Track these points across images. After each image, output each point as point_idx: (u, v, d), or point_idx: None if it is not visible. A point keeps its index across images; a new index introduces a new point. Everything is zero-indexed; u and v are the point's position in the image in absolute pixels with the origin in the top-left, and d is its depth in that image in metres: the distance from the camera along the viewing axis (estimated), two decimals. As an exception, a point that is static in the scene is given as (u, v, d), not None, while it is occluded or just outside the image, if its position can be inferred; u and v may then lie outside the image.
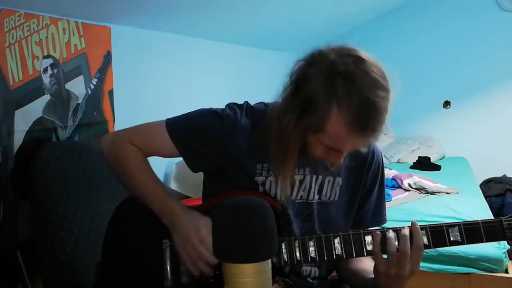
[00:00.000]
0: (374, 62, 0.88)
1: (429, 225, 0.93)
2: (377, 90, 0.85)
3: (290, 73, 0.94)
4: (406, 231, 0.91)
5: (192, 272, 0.96)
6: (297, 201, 1.05)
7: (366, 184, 1.10)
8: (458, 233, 0.91)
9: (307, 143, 0.94)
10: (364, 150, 0.98)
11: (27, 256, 1.54)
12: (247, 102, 1.07)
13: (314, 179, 1.05)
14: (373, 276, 0.98)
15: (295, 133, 0.92)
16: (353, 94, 0.84)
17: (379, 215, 1.14)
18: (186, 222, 0.95)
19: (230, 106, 1.05)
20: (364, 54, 0.88)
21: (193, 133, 1.02)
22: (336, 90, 0.84)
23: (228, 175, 1.04)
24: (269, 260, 0.71)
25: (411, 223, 0.93)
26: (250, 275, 0.69)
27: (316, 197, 1.06)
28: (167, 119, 1.05)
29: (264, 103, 1.07)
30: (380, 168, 1.13)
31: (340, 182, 1.07)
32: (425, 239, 0.92)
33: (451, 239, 0.91)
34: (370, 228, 0.97)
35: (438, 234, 0.92)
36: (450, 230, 0.91)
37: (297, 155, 0.96)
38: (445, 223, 0.93)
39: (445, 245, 0.92)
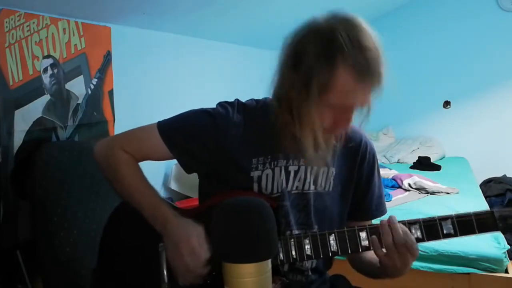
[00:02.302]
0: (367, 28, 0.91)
1: (422, 218, 0.94)
2: (373, 40, 0.89)
3: (282, 52, 0.96)
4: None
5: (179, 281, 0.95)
6: (293, 191, 1.05)
7: (363, 176, 1.11)
8: (451, 226, 0.93)
9: (313, 117, 0.93)
10: (369, 105, 0.95)
11: (27, 256, 1.54)
12: (237, 99, 1.07)
13: (309, 170, 1.05)
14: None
15: (305, 107, 0.91)
16: (354, 45, 0.86)
17: (381, 205, 1.16)
18: (178, 229, 0.94)
19: (221, 104, 1.05)
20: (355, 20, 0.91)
21: (186, 134, 1.02)
22: (337, 46, 0.86)
23: (223, 175, 1.03)
24: (269, 260, 0.71)
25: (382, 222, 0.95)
26: (250, 275, 0.69)
27: (312, 187, 1.06)
28: (159, 122, 1.05)
29: (255, 100, 1.08)
30: (375, 158, 1.14)
31: (334, 172, 1.07)
32: (418, 233, 0.94)
33: (444, 232, 0.93)
34: (362, 224, 0.99)
35: (431, 227, 0.94)
36: (443, 223, 0.93)
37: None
38: (438, 216, 0.94)
39: (439, 238, 0.94)
